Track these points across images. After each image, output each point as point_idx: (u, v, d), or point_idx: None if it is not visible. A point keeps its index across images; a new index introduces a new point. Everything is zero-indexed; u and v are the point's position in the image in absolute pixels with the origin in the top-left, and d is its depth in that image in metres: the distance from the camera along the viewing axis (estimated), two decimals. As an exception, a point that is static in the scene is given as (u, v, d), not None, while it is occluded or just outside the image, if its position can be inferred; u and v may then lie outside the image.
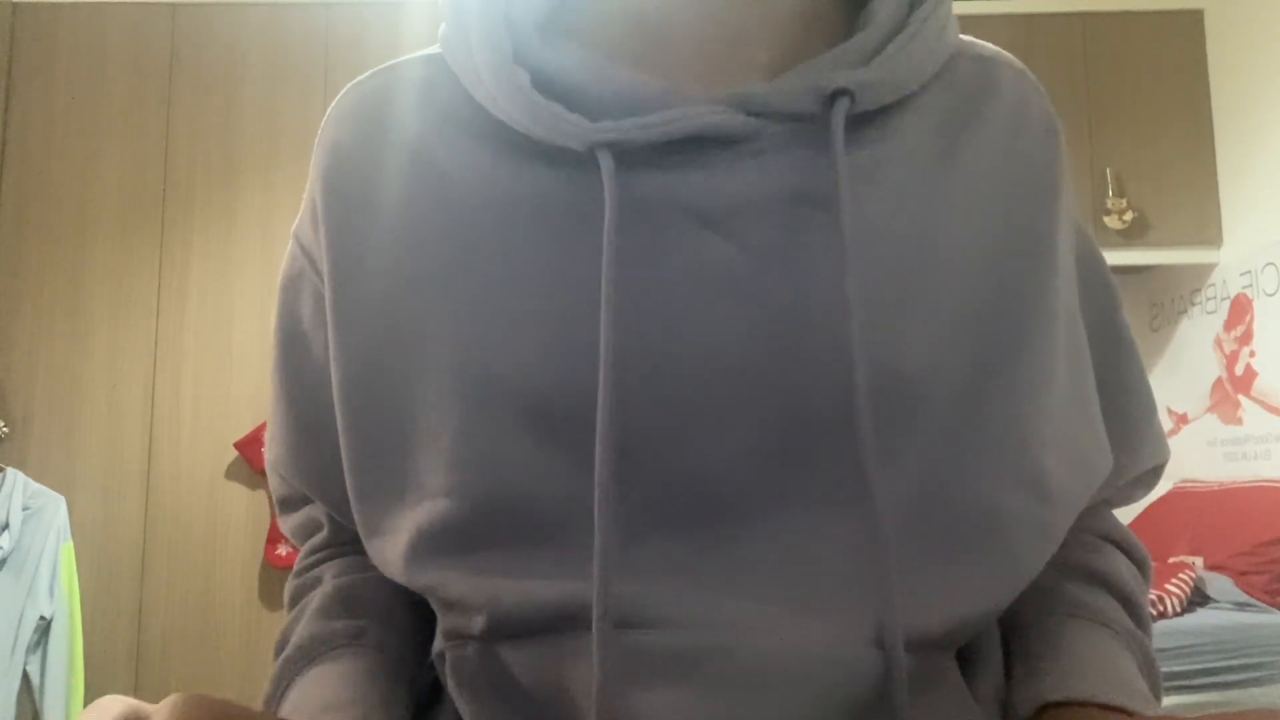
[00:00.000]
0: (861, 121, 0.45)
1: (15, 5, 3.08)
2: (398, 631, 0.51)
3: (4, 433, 2.89)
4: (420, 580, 0.45)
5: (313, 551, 0.56)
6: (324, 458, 0.50)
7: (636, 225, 0.43)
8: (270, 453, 0.56)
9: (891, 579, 0.40)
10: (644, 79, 0.45)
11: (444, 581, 0.44)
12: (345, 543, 0.55)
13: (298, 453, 0.53)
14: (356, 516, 0.48)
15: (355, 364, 0.47)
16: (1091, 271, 0.54)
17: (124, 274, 3.01)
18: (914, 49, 0.46)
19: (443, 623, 0.46)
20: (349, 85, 0.52)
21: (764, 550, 0.42)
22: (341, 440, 0.48)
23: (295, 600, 0.54)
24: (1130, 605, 0.51)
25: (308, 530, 0.57)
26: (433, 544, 0.44)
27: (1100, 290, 0.54)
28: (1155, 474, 0.57)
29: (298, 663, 0.48)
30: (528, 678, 0.42)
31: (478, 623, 0.43)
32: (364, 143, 0.49)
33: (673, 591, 0.41)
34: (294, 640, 0.49)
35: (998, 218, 0.47)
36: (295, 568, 0.57)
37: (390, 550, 0.46)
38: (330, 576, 0.53)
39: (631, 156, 0.43)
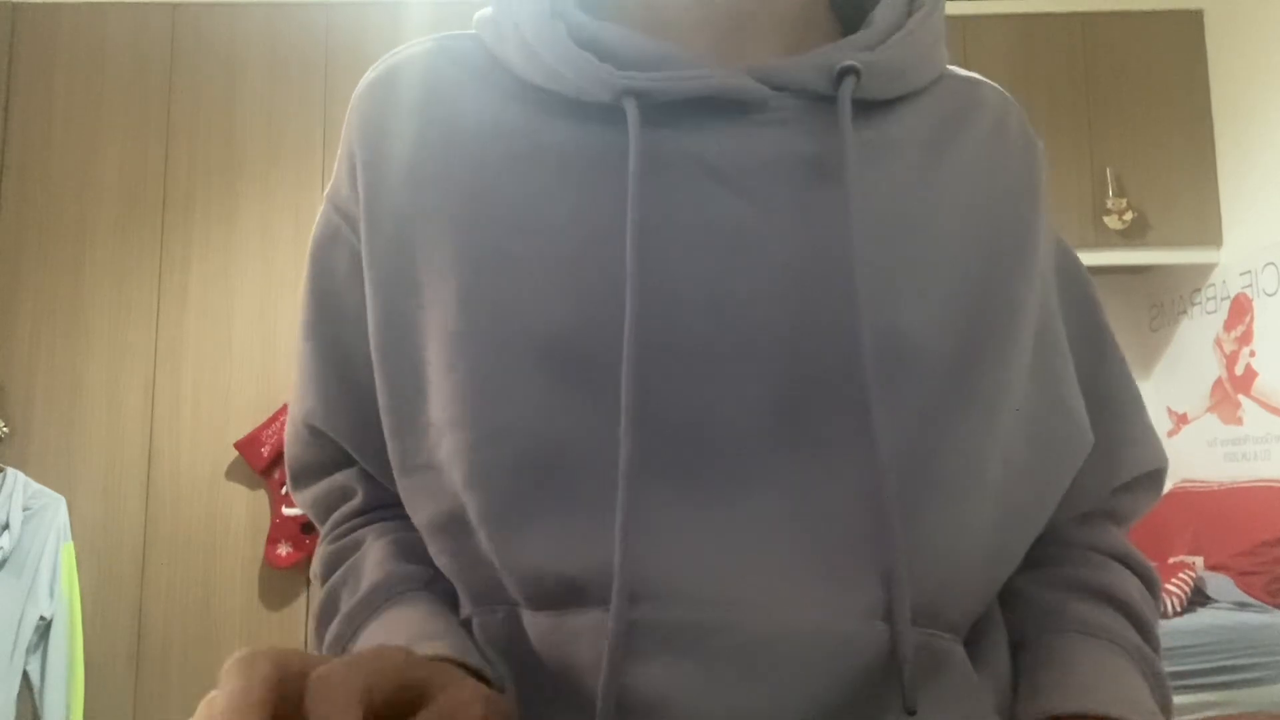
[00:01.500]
0: (867, 109, 0.49)
1: (15, 5, 3.08)
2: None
3: (4, 433, 2.89)
4: (441, 512, 0.46)
5: (345, 519, 0.55)
6: (364, 410, 0.50)
7: (658, 176, 0.45)
8: (301, 408, 0.55)
9: (895, 541, 0.41)
10: (673, 45, 0.48)
11: (458, 531, 0.45)
12: (383, 506, 0.54)
13: (336, 405, 0.53)
14: (391, 456, 0.49)
15: (381, 310, 0.49)
16: (1073, 282, 0.57)
17: (124, 274, 3.00)
18: (912, 44, 0.50)
19: (468, 589, 0.47)
20: (385, 55, 0.54)
21: (771, 503, 0.43)
22: (377, 383, 0.49)
23: (333, 565, 0.53)
24: (1139, 623, 0.51)
25: (333, 499, 0.56)
26: (448, 487, 0.46)
27: (1083, 300, 0.57)
28: (1153, 481, 0.58)
29: (373, 603, 0.48)
30: (544, 649, 0.43)
31: (496, 588, 0.44)
32: (395, 105, 0.51)
33: (678, 556, 0.41)
34: (366, 583, 0.49)
35: (981, 213, 0.50)
36: (325, 535, 0.55)
37: (420, 489, 0.48)
38: (375, 536, 0.52)
39: (655, 113, 0.46)
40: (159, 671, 2.85)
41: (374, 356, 0.49)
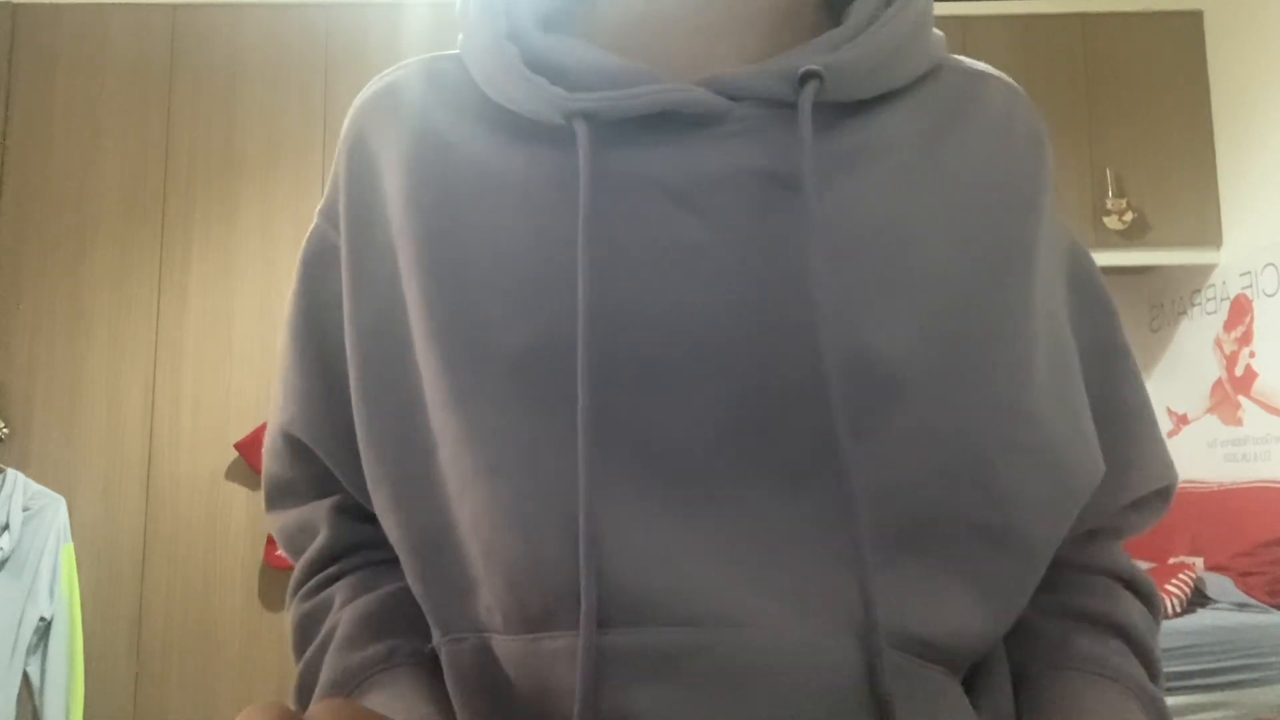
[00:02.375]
0: (840, 113, 0.47)
1: (15, 6, 3.08)
2: (423, 634, 0.50)
3: (4, 433, 2.89)
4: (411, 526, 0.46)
5: (313, 569, 0.54)
6: (347, 422, 0.50)
7: (610, 197, 0.44)
8: (281, 418, 0.54)
9: (865, 558, 0.40)
10: (625, 61, 0.47)
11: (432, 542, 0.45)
12: (346, 551, 0.54)
13: (318, 414, 0.52)
14: (367, 469, 0.48)
15: (363, 321, 0.49)
16: (1088, 292, 0.54)
17: (124, 274, 3.00)
18: (882, 36, 0.47)
19: (437, 614, 0.47)
20: (379, 75, 0.55)
21: (737, 527, 0.42)
22: (354, 397, 0.49)
23: (307, 628, 0.53)
24: (1142, 653, 0.50)
25: (301, 536, 0.55)
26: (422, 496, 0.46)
27: (1098, 311, 0.54)
28: (1161, 498, 0.55)
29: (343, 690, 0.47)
30: (516, 676, 0.42)
31: (467, 613, 0.44)
32: (383, 127, 0.51)
33: (646, 576, 0.41)
34: (324, 680, 0.48)
35: (977, 224, 0.47)
36: (297, 588, 0.55)
37: (398, 504, 0.47)
38: (341, 602, 0.52)
39: (608, 132, 0.45)
40: (159, 671, 2.85)
41: (352, 368, 0.49)
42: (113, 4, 3.10)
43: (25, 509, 2.69)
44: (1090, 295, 0.54)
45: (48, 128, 3.04)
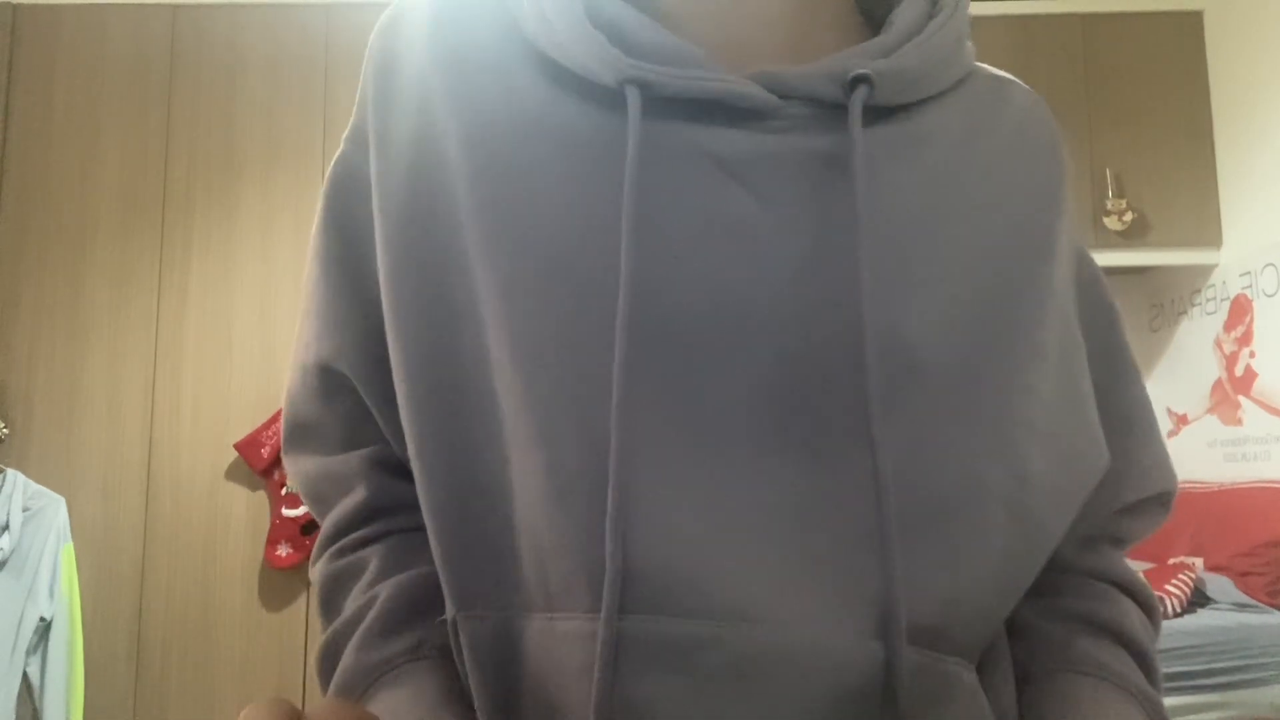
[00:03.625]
0: (884, 114, 0.48)
1: (15, 6, 3.08)
2: None
3: (4, 433, 2.88)
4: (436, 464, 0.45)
5: (347, 527, 0.51)
6: (386, 354, 0.48)
7: (657, 166, 0.44)
8: (314, 351, 0.52)
9: (890, 542, 0.40)
10: (682, 42, 0.47)
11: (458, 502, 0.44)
12: (384, 510, 0.51)
13: (363, 346, 0.50)
14: (401, 405, 0.47)
15: (394, 256, 0.47)
16: (1092, 294, 0.55)
17: (124, 274, 3.00)
18: (930, 48, 0.49)
19: (455, 583, 0.45)
20: None
21: (765, 507, 0.41)
22: (390, 335, 0.47)
23: (336, 590, 0.50)
24: (1141, 657, 0.51)
25: (328, 487, 0.52)
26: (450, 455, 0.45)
27: (1101, 314, 0.55)
28: (1160, 503, 0.56)
29: (355, 690, 0.46)
30: (532, 656, 0.42)
31: (486, 583, 0.43)
32: (417, 50, 0.50)
33: (670, 559, 0.40)
34: (350, 665, 0.46)
35: (1001, 218, 0.49)
36: (328, 543, 0.52)
37: (441, 456, 0.46)
38: (377, 572, 0.49)
39: (659, 105, 0.45)
40: (159, 671, 2.85)
41: (385, 303, 0.47)
42: (113, 4, 3.10)
43: (25, 509, 2.69)
44: (1094, 298, 0.55)
45: (48, 128, 3.04)
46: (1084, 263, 0.55)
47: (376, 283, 0.49)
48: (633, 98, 0.44)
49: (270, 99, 3.09)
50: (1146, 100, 3.20)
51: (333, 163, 0.54)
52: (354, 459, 0.51)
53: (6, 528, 2.64)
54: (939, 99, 0.50)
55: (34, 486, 2.76)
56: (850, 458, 0.42)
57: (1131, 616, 0.52)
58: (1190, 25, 3.23)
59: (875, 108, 0.47)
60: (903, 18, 0.50)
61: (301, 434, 0.54)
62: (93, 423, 2.94)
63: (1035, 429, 0.46)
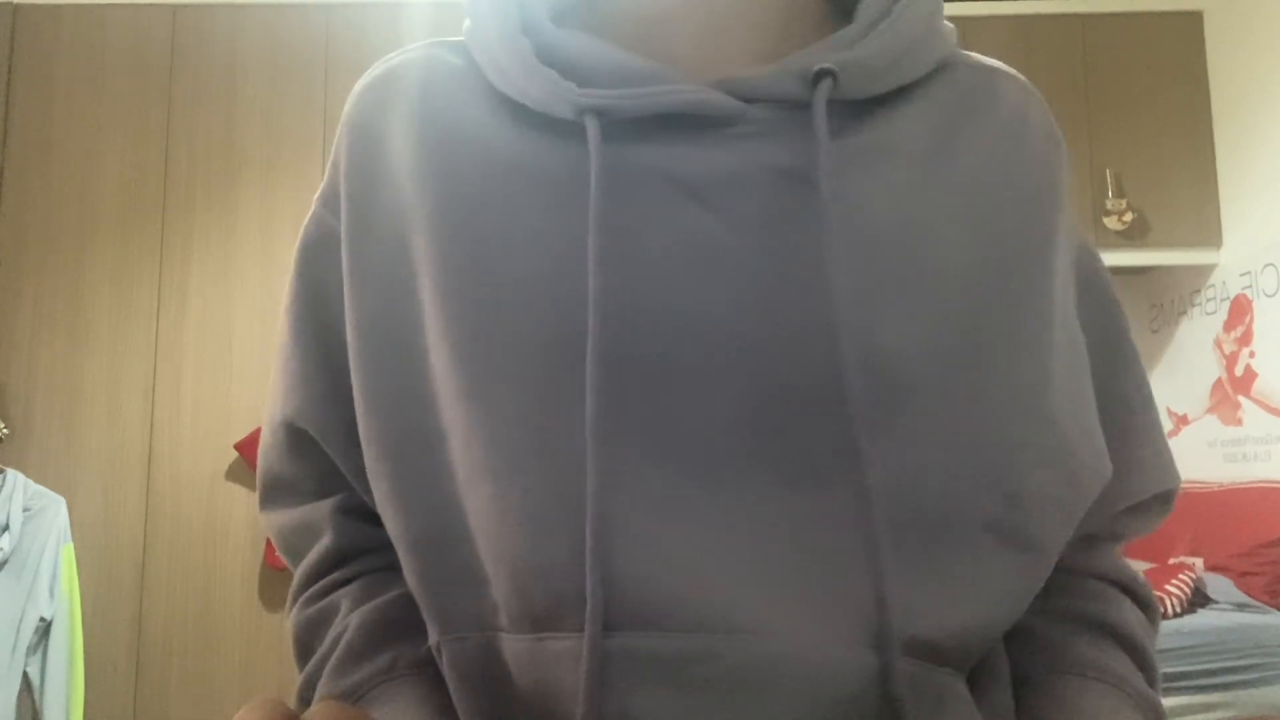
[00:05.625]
0: (854, 111, 0.46)
1: (15, 6, 3.08)
2: (426, 639, 0.49)
3: (4, 434, 2.88)
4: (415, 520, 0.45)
5: (318, 573, 0.53)
6: (352, 409, 0.49)
7: (622, 193, 0.44)
8: (282, 409, 0.52)
9: (881, 559, 0.40)
10: (637, 59, 0.47)
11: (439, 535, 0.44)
12: (351, 555, 0.52)
13: (322, 404, 0.51)
14: (366, 457, 0.47)
15: (367, 308, 0.48)
16: (1096, 291, 0.54)
17: (124, 275, 3.00)
18: (896, 32, 0.47)
19: (437, 612, 0.46)
20: (381, 60, 0.54)
21: (749, 527, 0.41)
22: (355, 386, 0.48)
23: (310, 636, 0.51)
24: (1140, 659, 0.50)
25: (301, 538, 0.53)
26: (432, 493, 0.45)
27: (1105, 311, 0.54)
28: (1163, 502, 0.55)
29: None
30: (520, 675, 0.42)
31: (470, 610, 0.43)
32: (387, 111, 0.50)
33: (655, 577, 0.40)
34: (326, 695, 0.47)
35: (992, 221, 0.47)
36: (301, 590, 0.53)
37: (402, 498, 0.46)
38: (347, 609, 0.50)
39: (620, 129, 0.45)
40: (159, 671, 2.85)
41: (353, 358, 0.48)
42: (113, 4, 3.10)
43: (25, 509, 2.69)
44: (1098, 294, 0.54)
45: (48, 128, 3.04)
46: (1086, 258, 0.54)
47: (344, 341, 0.49)
48: (592, 127, 0.44)
49: (270, 99, 3.09)
50: (1146, 100, 3.20)
51: (305, 222, 0.55)
52: (322, 508, 0.52)
53: (7, 528, 2.64)
54: (914, 90, 0.48)
55: (34, 487, 2.76)
56: (837, 481, 0.41)
57: (1129, 615, 0.52)
58: (1190, 25, 3.23)
59: (843, 103, 0.46)
60: (869, 6, 0.49)
61: (274, 490, 0.55)
62: (93, 423, 2.94)
63: (1034, 445, 0.45)
